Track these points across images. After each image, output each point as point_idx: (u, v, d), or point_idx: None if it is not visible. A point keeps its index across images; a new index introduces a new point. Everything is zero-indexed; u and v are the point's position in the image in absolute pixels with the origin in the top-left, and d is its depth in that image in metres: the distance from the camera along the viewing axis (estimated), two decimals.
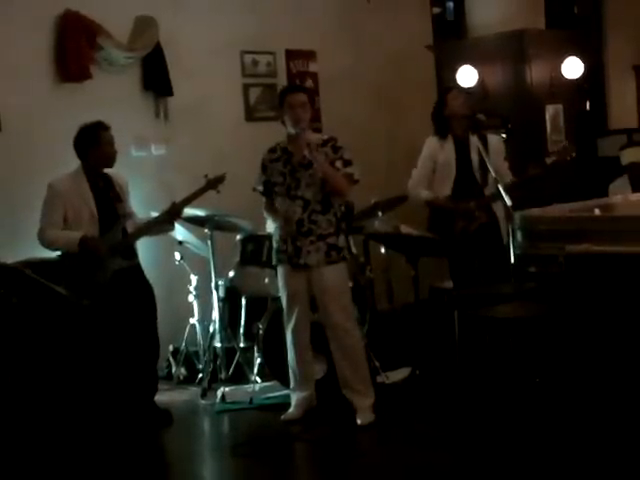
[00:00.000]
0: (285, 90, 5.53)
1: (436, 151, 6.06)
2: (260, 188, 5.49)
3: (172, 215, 5.61)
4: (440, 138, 6.06)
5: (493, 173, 5.43)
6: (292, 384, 5.57)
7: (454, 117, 5.99)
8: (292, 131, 5.30)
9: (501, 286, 4.86)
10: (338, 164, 5.28)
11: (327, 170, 5.23)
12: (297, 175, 5.31)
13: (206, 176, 5.64)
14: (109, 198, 5.56)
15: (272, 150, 5.45)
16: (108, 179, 5.60)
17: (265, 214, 5.63)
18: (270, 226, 6.30)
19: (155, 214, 5.76)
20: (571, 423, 3.64)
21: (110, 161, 5.54)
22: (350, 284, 5.70)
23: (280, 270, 5.45)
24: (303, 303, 5.42)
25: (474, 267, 6.00)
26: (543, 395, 3.78)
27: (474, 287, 5.54)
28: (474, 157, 5.93)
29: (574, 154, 5.90)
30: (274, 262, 5.50)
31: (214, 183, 5.64)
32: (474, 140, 5.83)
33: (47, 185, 5.46)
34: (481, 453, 4.29)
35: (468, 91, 6.42)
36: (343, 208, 5.47)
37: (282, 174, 5.35)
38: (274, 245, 5.48)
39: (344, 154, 5.31)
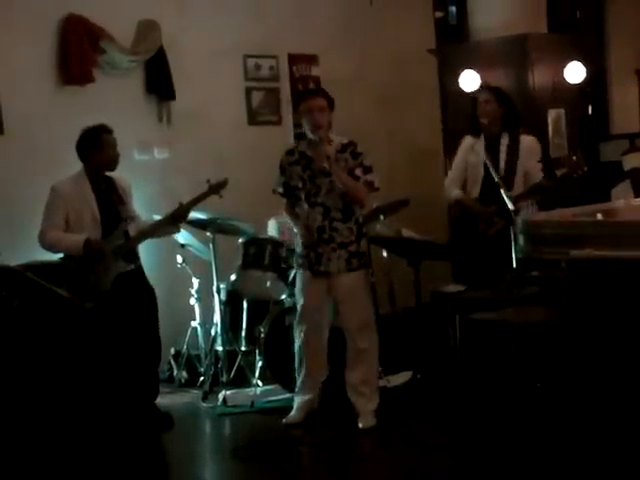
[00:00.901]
0: (304, 93, 5.52)
1: (468, 152, 6.06)
2: (280, 190, 5.43)
3: (177, 218, 5.61)
4: (474, 137, 6.05)
5: (495, 177, 5.42)
6: (298, 386, 5.55)
7: (480, 118, 6.00)
8: (311, 136, 5.25)
9: (503, 290, 4.86)
10: (358, 171, 5.24)
11: (347, 182, 5.20)
12: (317, 182, 5.26)
13: (208, 181, 5.63)
14: (112, 201, 5.56)
15: (290, 152, 5.41)
16: (111, 182, 5.61)
17: (285, 216, 5.58)
18: (272, 230, 6.30)
19: (158, 217, 5.77)
20: (572, 428, 3.64)
21: (112, 164, 5.54)
22: None
23: (300, 275, 5.43)
24: (323, 308, 5.40)
25: (485, 271, 5.98)
26: (544, 399, 3.78)
27: (479, 290, 5.53)
28: (502, 160, 5.92)
29: (586, 168, 5.81)
30: (295, 266, 5.49)
31: (216, 188, 5.63)
32: (504, 142, 5.84)
33: (50, 188, 5.47)
34: (482, 457, 4.29)
35: (500, 91, 6.19)
36: (364, 212, 5.46)
37: (302, 179, 5.31)
38: (296, 249, 5.45)
39: (364, 160, 5.27)
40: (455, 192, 6.07)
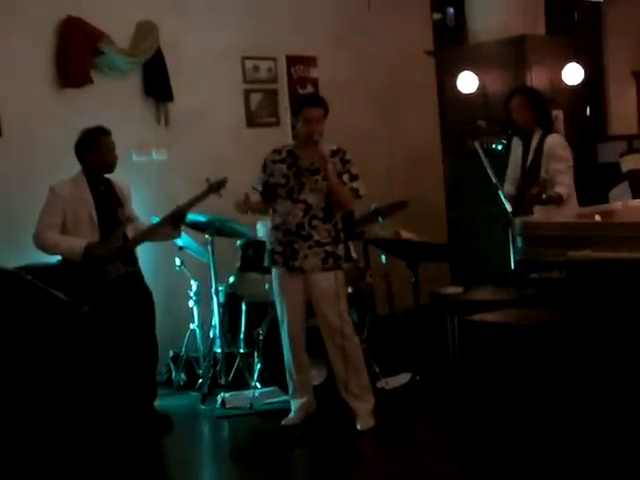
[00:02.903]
0: (304, 102, 5.51)
1: (513, 149, 6.06)
2: (259, 188, 5.47)
3: (176, 219, 5.61)
4: (517, 137, 6.03)
5: (493, 178, 5.42)
6: (290, 390, 5.57)
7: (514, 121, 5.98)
8: (304, 138, 5.30)
9: (501, 292, 4.86)
10: (345, 178, 5.29)
11: (337, 184, 5.24)
12: (302, 179, 5.31)
13: (208, 180, 5.64)
14: (110, 203, 5.56)
15: (276, 151, 5.45)
16: (109, 184, 5.61)
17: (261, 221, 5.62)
18: (260, 232, 6.30)
19: (156, 219, 5.76)
20: (572, 430, 3.64)
21: (110, 167, 5.54)
22: (350, 289, 5.71)
23: (275, 272, 5.45)
24: (299, 308, 5.43)
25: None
26: (543, 402, 3.78)
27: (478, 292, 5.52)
28: (529, 160, 5.91)
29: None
30: (267, 263, 5.49)
31: (216, 187, 5.64)
32: (535, 141, 5.83)
33: (48, 188, 5.47)
34: (481, 459, 4.29)
35: (532, 94, 6.12)
36: (340, 224, 5.45)
37: (285, 176, 5.34)
38: (267, 246, 5.47)
39: (351, 168, 5.34)
40: (506, 188, 5.93)
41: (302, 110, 5.34)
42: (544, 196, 5.59)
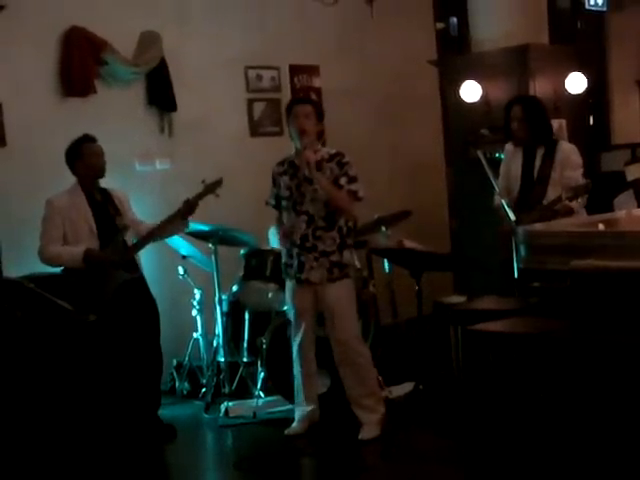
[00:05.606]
0: (292, 102, 5.54)
1: (509, 159, 6.03)
2: (272, 202, 5.48)
3: (188, 211, 5.60)
4: (514, 145, 6.00)
5: (496, 187, 5.41)
6: (296, 398, 5.56)
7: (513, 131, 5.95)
8: (298, 145, 5.28)
9: (504, 301, 4.85)
10: (342, 180, 5.24)
11: (328, 188, 5.20)
12: (302, 189, 5.28)
13: (203, 181, 5.65)
14: (107, 212, 5.58)
15: (280, 163, 5.45)
16: (106, 193, 5.63)
17: (274, 227, 5.62)
18: (273, 242, 6.31)
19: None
20: (575, 439, 3.63)
21: (98, 172, 5.56)
22: None
23: (288, 284, 5.46)
24: (309, 318, 5.41)
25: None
26: (547, 410, 3.77)
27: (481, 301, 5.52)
28: (536, 169, 5.87)
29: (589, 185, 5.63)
30: (283, 275, 5.51)
31: (212, 187, 5.64)
32: (540, 151, 5.81)
33: (45, 202, 5.49)
34: (485, 468, 4.28)
35: (529, 105, 5.99)
36: (350, 224, 5.43)
37: (289, 188, 5.33)
38: (282, 259, 5.47)
39: (349, 170, 5.27)
40: (497, 198, 5.84)
41: (290, 110, 5.34)
42: (559, 205, 5.53)
